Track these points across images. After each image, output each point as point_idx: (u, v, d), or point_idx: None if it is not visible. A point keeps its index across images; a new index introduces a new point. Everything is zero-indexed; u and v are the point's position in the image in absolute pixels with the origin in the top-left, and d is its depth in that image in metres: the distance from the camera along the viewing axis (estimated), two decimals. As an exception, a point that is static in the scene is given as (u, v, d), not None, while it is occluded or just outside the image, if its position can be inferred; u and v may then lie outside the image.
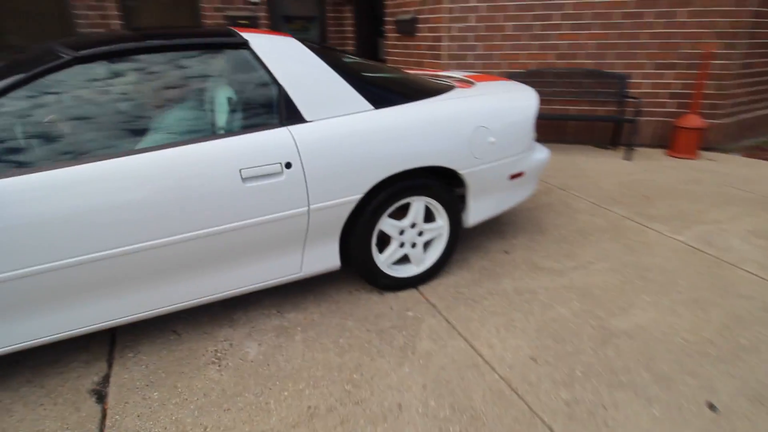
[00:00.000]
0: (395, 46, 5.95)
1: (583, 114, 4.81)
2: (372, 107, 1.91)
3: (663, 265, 2.44)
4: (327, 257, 1.97)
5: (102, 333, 1.94)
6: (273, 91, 1.76)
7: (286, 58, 1.81)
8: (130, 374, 1.69)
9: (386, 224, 2.05)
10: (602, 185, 3.66)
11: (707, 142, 4.61)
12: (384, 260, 2.12)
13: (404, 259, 2.25)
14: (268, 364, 1.75)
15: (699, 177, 3.86)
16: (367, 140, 1.84)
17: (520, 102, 2.28)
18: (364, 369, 1.72)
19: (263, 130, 1.69)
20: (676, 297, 2.15)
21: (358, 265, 2.06)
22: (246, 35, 1.82)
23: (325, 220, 1.85)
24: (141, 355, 1.79)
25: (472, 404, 1.56)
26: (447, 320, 2.00)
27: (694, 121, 4.29)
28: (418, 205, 2.09)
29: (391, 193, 1.97)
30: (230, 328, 1.97)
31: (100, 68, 1.56)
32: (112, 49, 1.58)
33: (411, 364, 1.74)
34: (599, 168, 4.12)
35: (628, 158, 4.39)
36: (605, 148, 4.84)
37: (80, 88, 1.51)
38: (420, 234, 2.17)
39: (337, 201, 1.83)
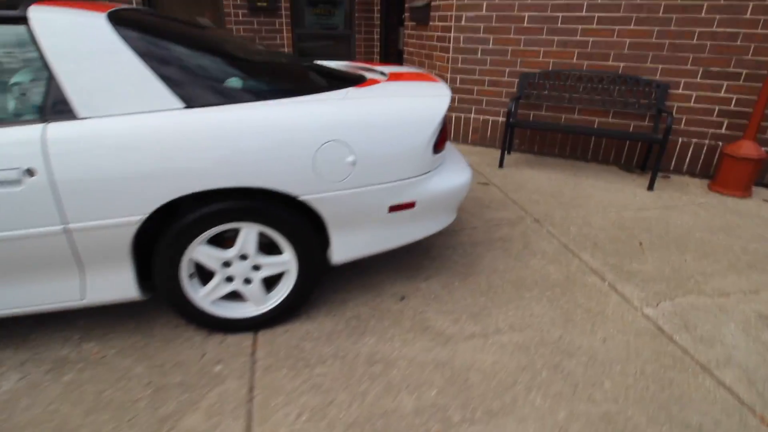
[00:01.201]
0: (411, 36, 5.38)
1: (605, 129, 3.94)
2: (182, 105, 1.49)
3: (597, 352, 1.76)
4: (119, 286, 1.61)
5: None
6: (42, 79, 1.42)
7: (73, 40, 1.45)
8: None
9: (201, 253, 1.64)
10: (593, 221, 2.89)
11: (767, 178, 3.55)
12: (204, 296, 1.72)
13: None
14: (3, 409, 1.44)
15: (734, 223, 2.92)
16: (155, 147, 1.43)
17: (408, 112, 1.71)
18: (93, 442, 1.35)
19: (4, 126, 1.36)
20: (582, 407, 1.50)
21: (166, 298, 1.68)
22: (37, 9, 1.48)
23: (99, 243, 1.49)
24: None
25: None
26: (251, 387, 1.56)
27: (748, 148, 3.28)
28: (247, 233, 1.65)
29: (202, 215, 1.56)
30: (13, 350, 1.70)
31: None
32: None
33: (152, 447, 1.34)
34: (606, 197, 3.30)
35: (652, 188, 3.50)
36: (632, 171, 3.94)
37: None
38: (256, 268, 1.74)
39: (110, 221, 1.46)
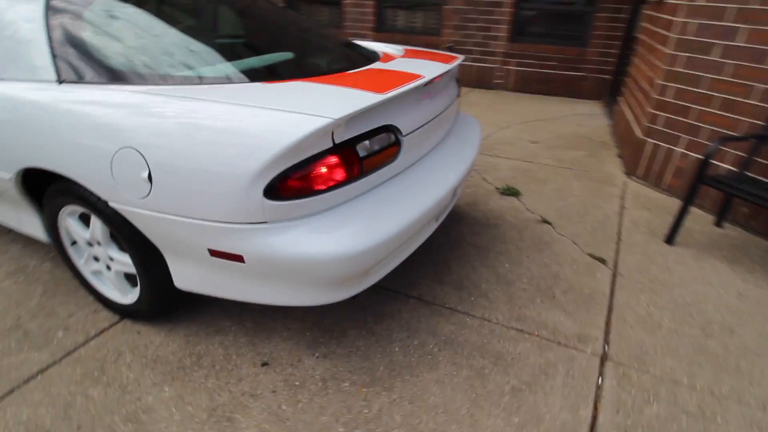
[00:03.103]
0: (647, 19, 3.72)
1: None
2: (54, 79, 1.45)
3: None
4: (32, 225, 1.82)
5: None
6: None
7: (5, 7, 1.58)
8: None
9: (70, 225, 1.66)
10: (731, 409, 1.43)
11: None
12: (83, 264, 1.76)
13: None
14: (-48, 288, 1.90)
15: None
16: (10, 116, 1.48)
17: (226, 132, 1.15)
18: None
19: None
20: None
21: (58, 253, 1.80)
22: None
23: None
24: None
25: None
26: (39, 372, 1.52)
27: None
28: (95, 220, 1.55)
29: (52, 191, 1.57)
30: None
31: None
32: None
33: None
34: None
35: None
36: None
37: None
38: (111, 259, 1.63)
39: (-9, 173, 1.63)
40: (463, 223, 2.57)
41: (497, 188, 3.02)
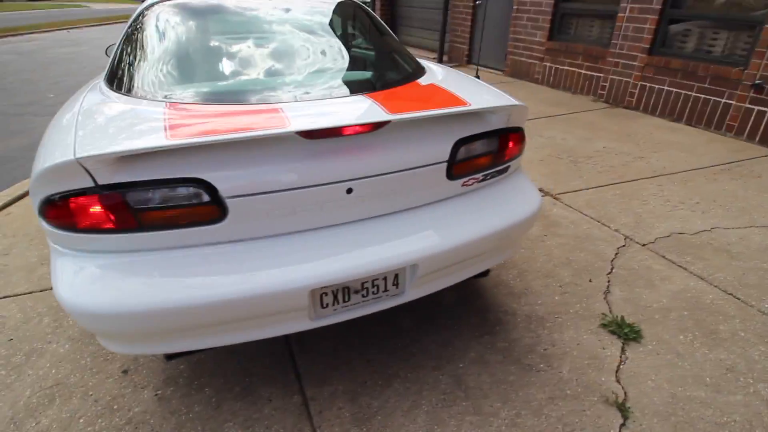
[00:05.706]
0: None
1: None
2: (107, 87, 1.78)
3: None
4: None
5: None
6: None
7: None
8: None
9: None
10: None
11: None
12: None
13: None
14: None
15: None
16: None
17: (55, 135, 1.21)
18: None
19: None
20: None
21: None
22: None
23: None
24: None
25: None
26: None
27: None
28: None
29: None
30: None
31: None
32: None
33: None
34: None
35: None
36: None
37: None
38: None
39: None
40: (491, 338, 1.76)
41: (607, 314, 1.89)
